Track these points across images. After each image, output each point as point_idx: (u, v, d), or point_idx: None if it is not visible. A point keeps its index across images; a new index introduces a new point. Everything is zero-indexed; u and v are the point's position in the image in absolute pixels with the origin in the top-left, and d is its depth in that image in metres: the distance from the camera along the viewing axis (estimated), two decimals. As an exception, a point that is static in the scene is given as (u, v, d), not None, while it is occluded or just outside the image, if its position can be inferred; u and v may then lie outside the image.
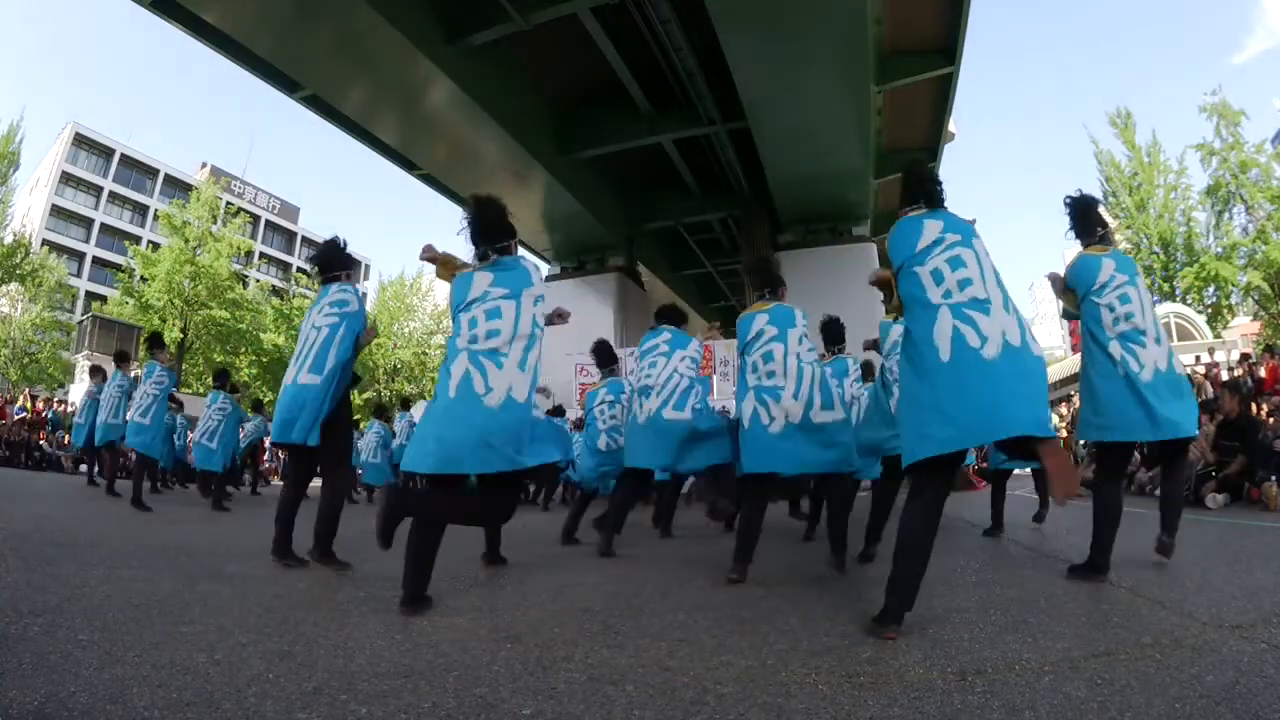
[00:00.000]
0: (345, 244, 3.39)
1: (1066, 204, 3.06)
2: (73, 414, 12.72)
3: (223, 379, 7.29)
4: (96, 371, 7.52)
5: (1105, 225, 3.07)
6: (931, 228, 2.13)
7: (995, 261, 2.13)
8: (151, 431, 5.87)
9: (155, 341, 6.32)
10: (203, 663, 1.73)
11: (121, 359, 6.84)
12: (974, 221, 2.21)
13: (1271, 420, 6.27)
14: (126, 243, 27.57)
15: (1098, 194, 18.90)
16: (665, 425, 3.68)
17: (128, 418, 6.03)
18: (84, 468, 7.75)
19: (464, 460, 2.29)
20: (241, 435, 8.21)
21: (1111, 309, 2.84)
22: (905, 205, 2.28)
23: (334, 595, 2.64)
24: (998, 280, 2.08)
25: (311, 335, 3.13)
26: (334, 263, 3.31)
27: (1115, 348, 2.79)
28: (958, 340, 1.95)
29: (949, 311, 2.00)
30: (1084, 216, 3.04)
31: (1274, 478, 5.42)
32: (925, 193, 2.22)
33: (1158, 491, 5.99)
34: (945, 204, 2.24)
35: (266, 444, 12.08)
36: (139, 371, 6.45)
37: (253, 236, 35.70)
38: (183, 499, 7.15)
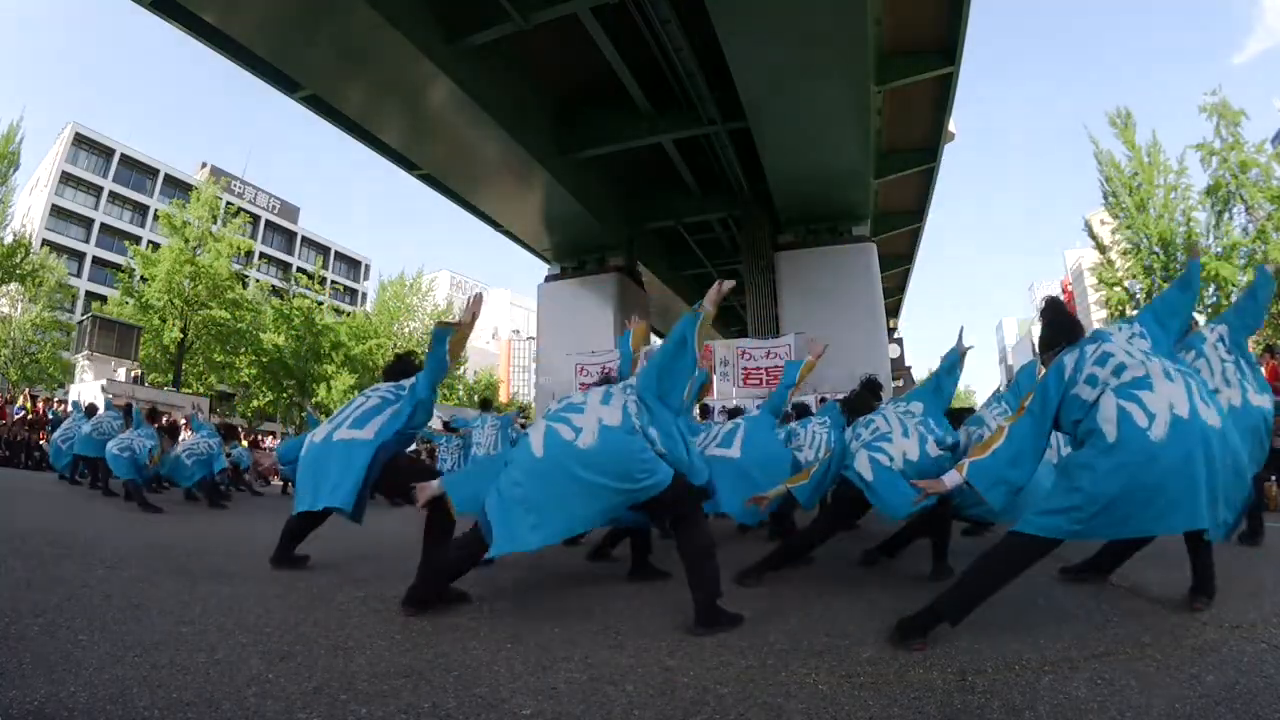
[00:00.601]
0: (417, 359, 3.33)
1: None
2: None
3: (228, 434, 7.99)
4: (93, 411, 7.67)
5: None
6: (1069, 359, 2.10)
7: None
8: (128, 461, 5.99)
9: (153, 415, 6.81)
10: (203, 663, 1.73)
11: (153, 417, 7.08)
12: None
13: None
14: (126, 243, 27.55)
15: (1098, 194, 18.82)
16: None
17: (108, 446, 6.19)
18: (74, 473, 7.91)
19: (581, 522, 2.24)
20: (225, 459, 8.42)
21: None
22: (1047, 350, 2.25)
23: (334, 595, 2.64)
24: (1150, 349, 2.02)
25: (360, 400, 2.95)
26: (403, 373, 3.17)
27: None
28: (1124, 421, 1.87)
29: (1112, 396, 1.93)
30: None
31: (1274, 478, 5.42)
32: (1070, 337, 2.20)
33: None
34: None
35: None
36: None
37: (253, 236, 35.69)
38: (183, 499, 7.14)
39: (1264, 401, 2.84)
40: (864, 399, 3.54)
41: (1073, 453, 2.04)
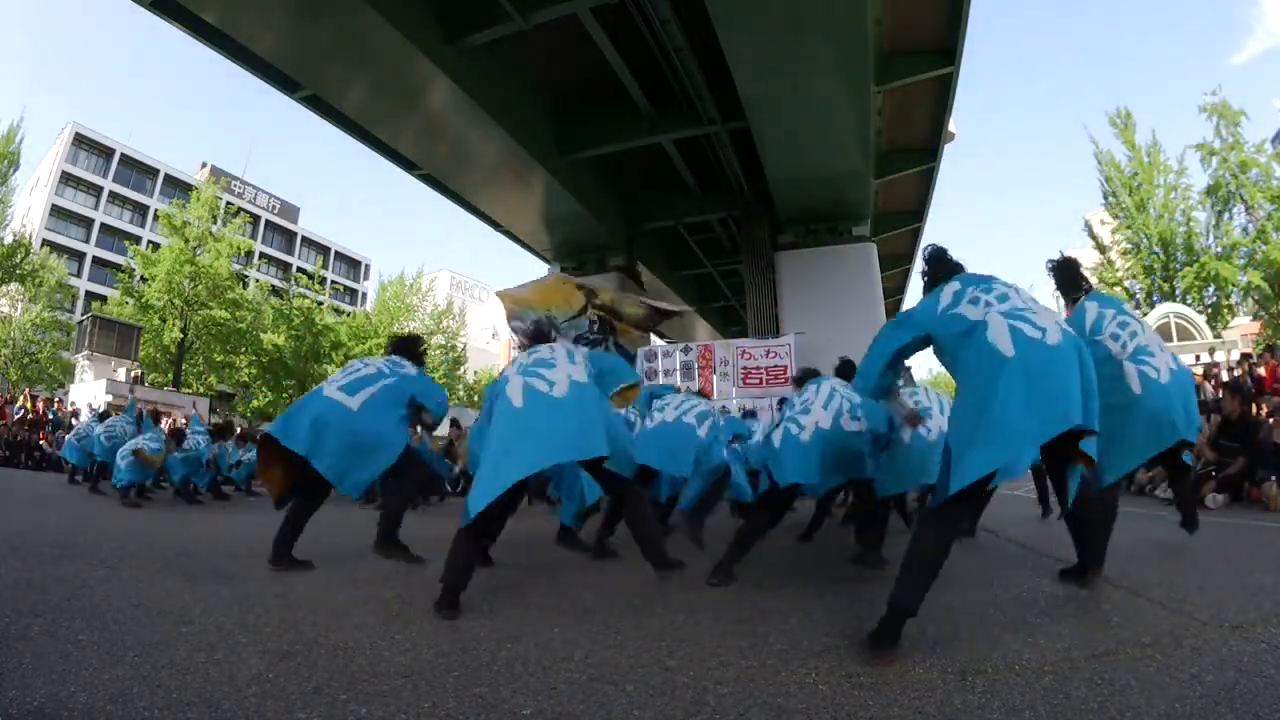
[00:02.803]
0: (424, 346, 3.64)
1: (1048, 268, 3.08)
2: (73, 414, 12.75)
3: (220, 433, 8.31)
4: (105, 417, 8.10)
5: (1087, 281, 3.13)
6: (948, 290, 2.15)
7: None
8: (134, 464, 6.15)
9: (156, 417, 7.43)
10: (203, 663, 1.73)
11: (156, 418, 7.47)
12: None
13: (1272, 420, 6.27)
14: (126, 243, 27.54)
15: (1098, 194, 18.84)
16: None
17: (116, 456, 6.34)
18: (77, 474, 8.14)
19: (553, 452, 2.44)
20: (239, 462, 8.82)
21: (1116, 338, 2.87)
22: (928, 290, 2.32)
23: (334, 595, 2.64)
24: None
25: (357, 366, 3.21)
26: (409, 349, 3.45)
27: (1130, 369, 2.80)
28: (1016, 335, 1.89)
29: (999, 316, 1.96)
30: (1069, 275, 3.10)
31: (1274, 478, 5.42)
32: (947, 271, 2.27)
33: (1158, 492, 6.03)
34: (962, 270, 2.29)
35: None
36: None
37: (253, 236, 35.67)
38: (185, 503, 7.14)
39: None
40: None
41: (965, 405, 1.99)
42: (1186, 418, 2.81)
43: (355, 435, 2.95)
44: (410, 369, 3.29)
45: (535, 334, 2.94)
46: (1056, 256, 2.99)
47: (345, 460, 2.93)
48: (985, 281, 2.14)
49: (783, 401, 5.47)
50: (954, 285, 2.16)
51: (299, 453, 2.89)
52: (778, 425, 3.22)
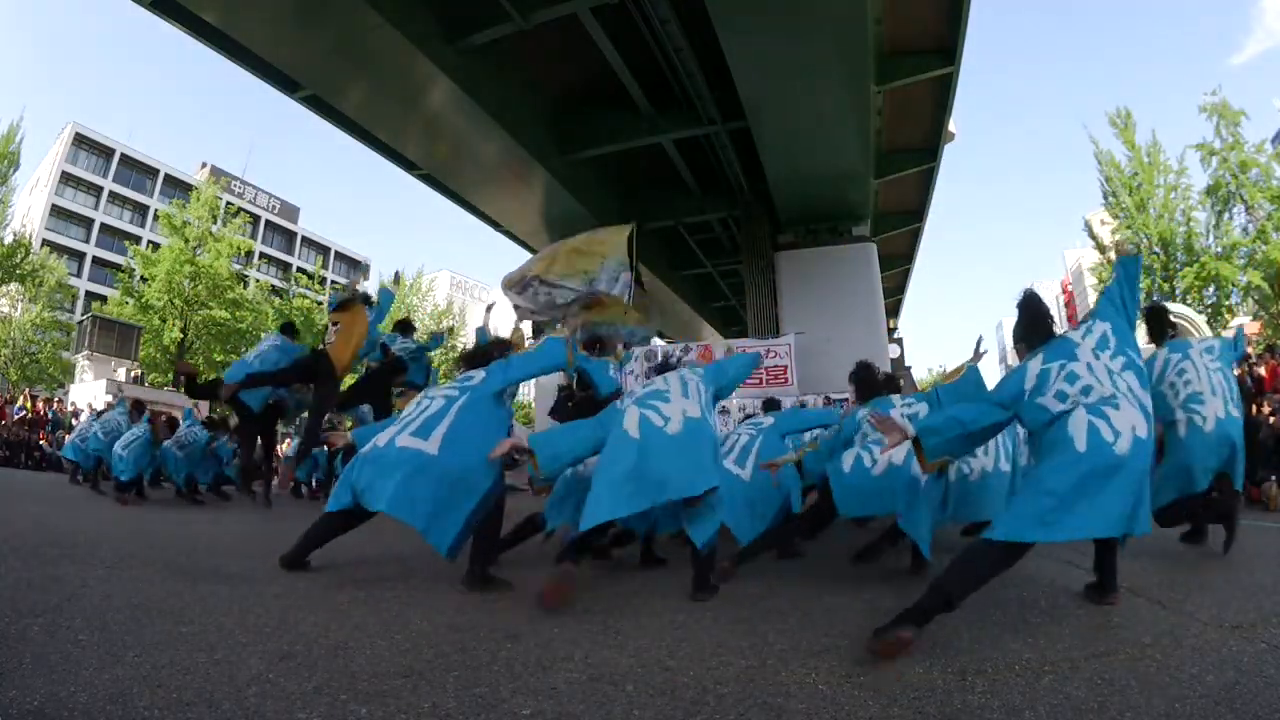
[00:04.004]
0: (489, 343, 3.48)
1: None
2: (73, 414, 12.76)
3: (215, 426, 8.14)
4: (101, 415, 8.17)
5: (1173, 327, 3.51)
6: (1033, 371, 2.19)
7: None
8: (131, 460, 6.23)
9: (139, 407, 7.39)
10: (203, 663, 1.73)
11: (138, 408, 7.45)
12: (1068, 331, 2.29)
13: (1273, 420, 6.27)
14: (126, 243, 27.53)
15: (1098, 194, 18.78)
16: None
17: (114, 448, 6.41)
18: (78, 474, 8.12)
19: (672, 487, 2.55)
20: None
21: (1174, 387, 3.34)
22: (1018, 342, 2.41)
23: (334, 595, 2.63)
24: (1125, 366, 2.11)
25: (424, 403, 2.91)
26: (480, 361, 3.19)
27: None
28: (1092, 434, 1.97)
29: (1083, 410, 2.02)
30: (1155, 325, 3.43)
31: (1274, 478, 5.42)
32: (1038, 333, 2.34)
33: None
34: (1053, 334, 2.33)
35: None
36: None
37: (253, 236, 35.67)
38: (182, 500, 7.14)
39: (1238, 414, 3.38)
40: (877, 383, 3.58)
41: (1043, 474, 2.05)
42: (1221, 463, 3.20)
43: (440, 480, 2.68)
44: (479, 375, 2.98)
45: (661, 366, 3.12)
46: (1149, 303, 3.06)
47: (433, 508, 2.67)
48: (1068, 356, 2.15)
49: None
50: (1038, 363, 2.19)
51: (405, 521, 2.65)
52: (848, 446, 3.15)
